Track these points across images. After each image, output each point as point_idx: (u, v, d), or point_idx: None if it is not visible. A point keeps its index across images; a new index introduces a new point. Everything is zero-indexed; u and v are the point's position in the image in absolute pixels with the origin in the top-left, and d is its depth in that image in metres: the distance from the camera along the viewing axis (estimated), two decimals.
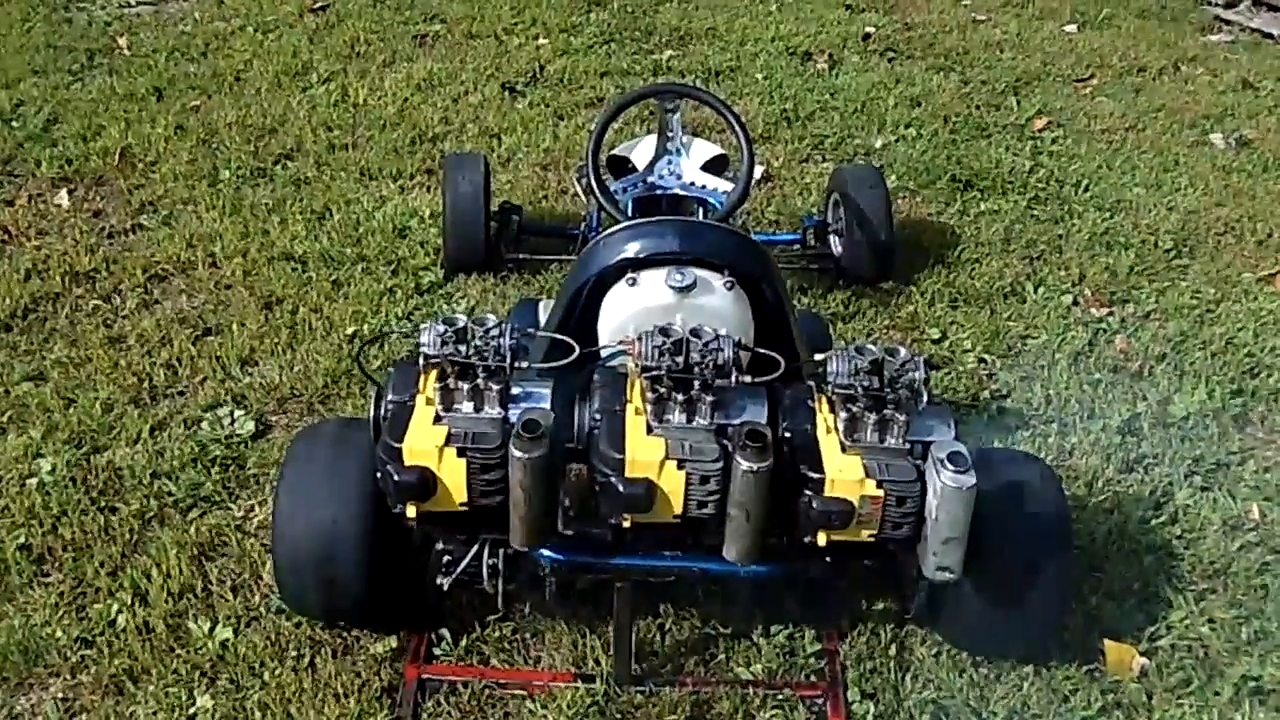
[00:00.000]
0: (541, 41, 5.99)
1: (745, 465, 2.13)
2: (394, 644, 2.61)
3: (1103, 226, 4.43)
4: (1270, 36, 6.49)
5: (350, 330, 3.68)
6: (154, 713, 2.46)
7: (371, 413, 2.41)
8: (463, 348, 2.28)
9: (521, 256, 4.04)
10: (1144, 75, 5.91)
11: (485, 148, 4.88)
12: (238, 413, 3.32)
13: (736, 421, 2.26)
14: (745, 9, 6.58)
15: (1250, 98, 5.68)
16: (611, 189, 3.49)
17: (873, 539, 2.23)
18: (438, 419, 2.27)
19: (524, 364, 2.33)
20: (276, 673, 2.54)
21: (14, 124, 5.01)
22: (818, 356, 2.35)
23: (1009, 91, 5.62)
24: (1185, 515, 3.07)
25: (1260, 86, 5.81)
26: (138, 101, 5.26)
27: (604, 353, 2.53)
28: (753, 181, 3.32)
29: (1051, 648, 2.62)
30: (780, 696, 2.53)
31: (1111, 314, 3.92)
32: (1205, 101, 5.61)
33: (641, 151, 3.77)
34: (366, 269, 4.02)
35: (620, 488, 2.18)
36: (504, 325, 2.31)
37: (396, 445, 2.20)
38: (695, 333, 2.30)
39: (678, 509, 2.22)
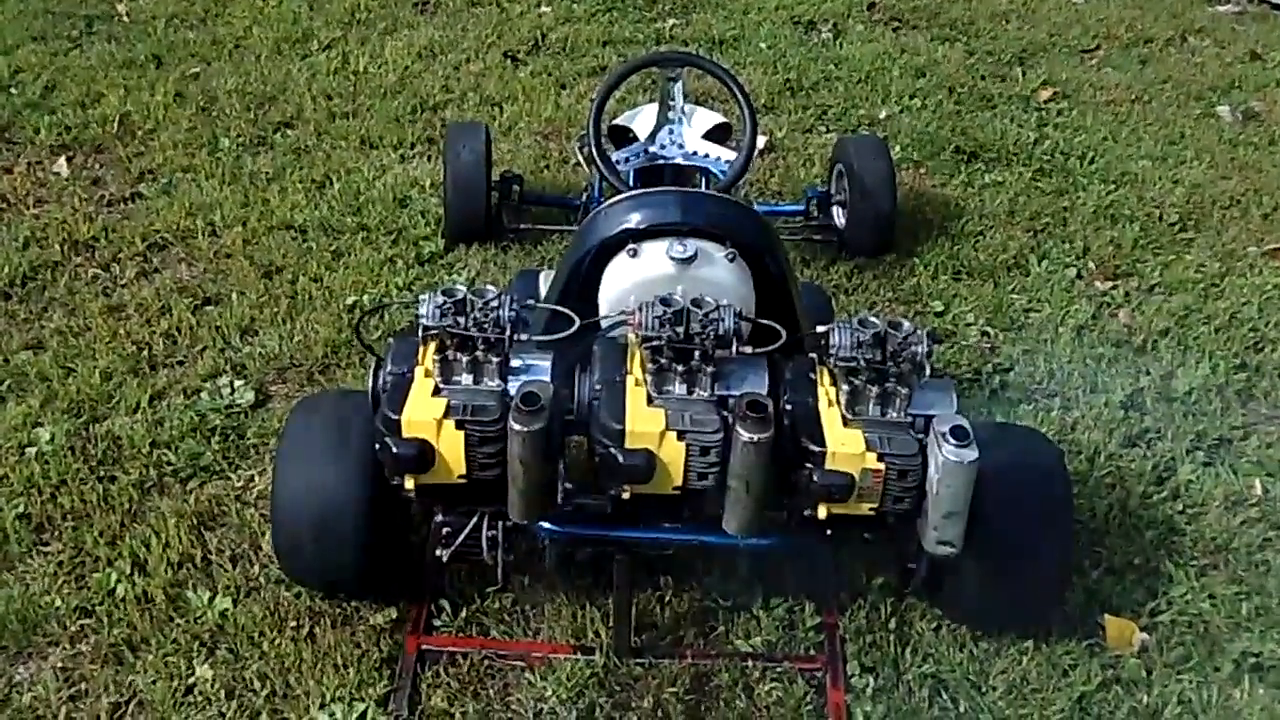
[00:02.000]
0: (543, 9, 5.94)
1: (745, 436, 2.12)
2: (394, 615, 2.61)
3: (1108, 199, 4.40)
4: (1278, 8, 6.43)
5: (350, 300, 3.66)
6: (153, 682, 2.46)
7: (370, 384, 2.40)
8: (462, 319, 2.27)
9: (522, 226, 4.02)
10: (1150, 46, 5.86)
11: (486, 117, 4.85)
12: (237, 382, 3.31)
13: (737, 392, 2.25)
14: None
15: (1258, 70, 5.64)
16: (613, 159, 3.47)
17: (873, 513, 2.22)
18: (437, 391, 2.25)
19: (524, 336, 2.32)
20: (276, 643, 2.54)
21: (12, 91, 4.97)
22: (820, 328, 2.33)
23: (1014, 62, 5.58)
24: (1187, 490, 3.06)
25: (1268, 58, 5.76)
26: (137, 69, 5.22)
27: (604, 324, 2.52)
28: (755, 152, 3.30)
29: (1052, 622, 2.62)
30: (780, 669, 2.53)
31: (1116, 287, 3.91)
32: (1212, 73, 5.57)
33: (643, 121, 3.74)
34: (367, 238, 4.00)
35: (620, 459, 2.17)
36: (503, 297, 2.30)
37: (395, 417, 2.19)
38: (696, 303, 2.29)
39: (677, 480, 2.21)
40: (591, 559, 2.66)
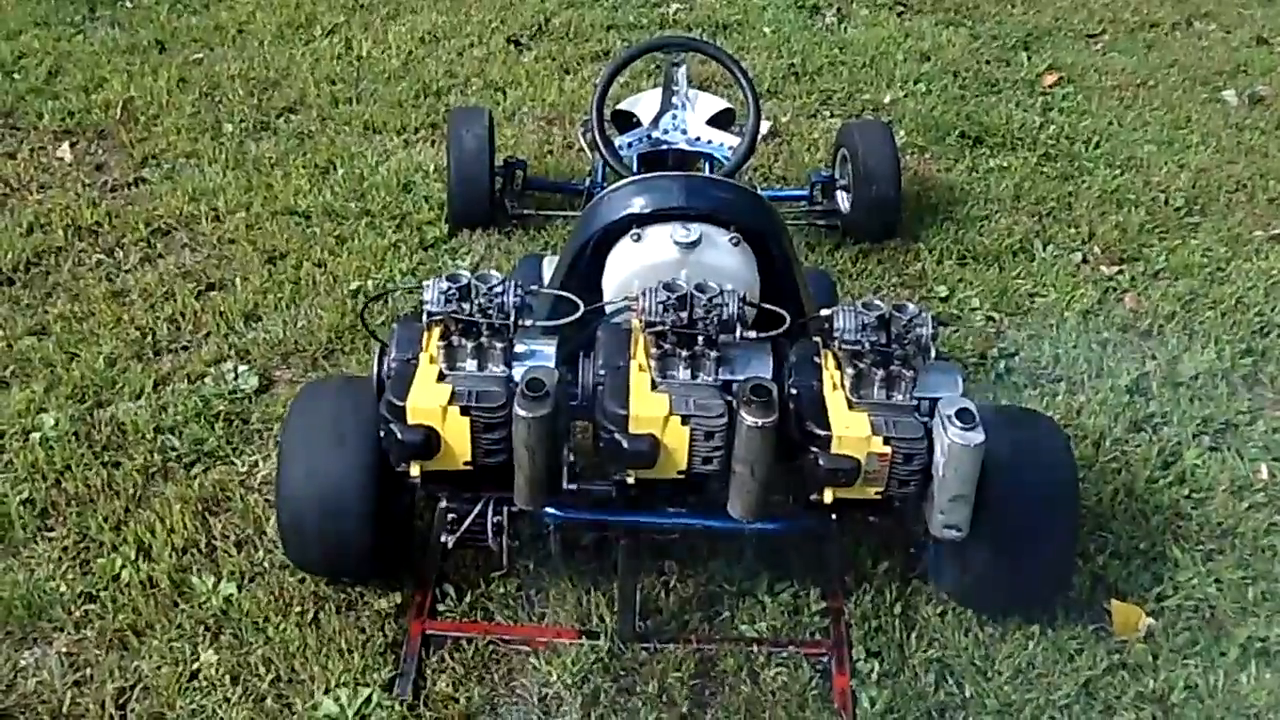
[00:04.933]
0: None
1: (750, 420, 2.12)
2: (398, 600, 2.61)
3: (1113, 184, 4.39)
4: None
5: (354, 285, 3.66)
6: (158, 667, 2.47)
7: (375, 370, 2.39)
8: (466, 305, 2.26)
9: (526, 212, 4.02)
10: (1156, 31, 5.84)
11: (490, 102, 4.84)
12: (241, 368, 3.31)
13: (741, 377, 2.25)
14: None
15: (1264, 54, 5.61)
16: (616, 144, 3.46)
17: (879, 496, 2.22)
18: (441, 377, 2.25)
19: (528, 321, 2.31)
20: (280, 628, 2.54)
21: (16, 76, 4.97)
22: (824, 312, 2.33)
23: (1019, 46, 5.56)
24: (1193, 475, 3.05)
25: (1274, 42, 5.73)
26: (140, 54, 5.21)
27: (608, 309, 2.51)
28: (759, 136, 3.29)
29: (1057, 607, 2.61)
30: (785, 654, 2.53)
31: (1121, 272, 3.90)
32: (1218, 58, 5.54)
33: (646, 106, 3.73)
34: (370, 224, 4.00)
35: (624, 444, 2.17)
36: (508, 282, 2.29)
37: (400, 404, 2.19)
38: (700, 288, 2.28)
39: (682, 465, 2.21)
40: (596, 544, 2.66)
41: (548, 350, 2.32)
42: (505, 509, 2.43)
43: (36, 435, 3.05)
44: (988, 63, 5.39)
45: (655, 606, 2.64)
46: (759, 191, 3.57)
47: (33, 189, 4.19)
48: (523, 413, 2.10)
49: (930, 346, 2.25)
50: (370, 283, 3.68)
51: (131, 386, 3.23)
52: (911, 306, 2.27)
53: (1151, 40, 5.74)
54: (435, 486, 2.40)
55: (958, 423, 2.12)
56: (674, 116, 3.64)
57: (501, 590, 2.65)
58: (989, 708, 2.45)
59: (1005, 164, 4.50)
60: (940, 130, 4.70)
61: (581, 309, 2.37)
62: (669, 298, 2.26)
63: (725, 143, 3.54)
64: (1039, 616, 2.60)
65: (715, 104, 3.73)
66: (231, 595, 2.61)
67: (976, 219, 4.13)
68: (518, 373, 2.24)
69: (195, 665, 2.47)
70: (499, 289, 2.28)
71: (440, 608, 2.62)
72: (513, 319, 2.27)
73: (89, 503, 2.87)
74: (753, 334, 2.33)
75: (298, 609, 2.59)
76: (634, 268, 2.53)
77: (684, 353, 2.26)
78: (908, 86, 5.11)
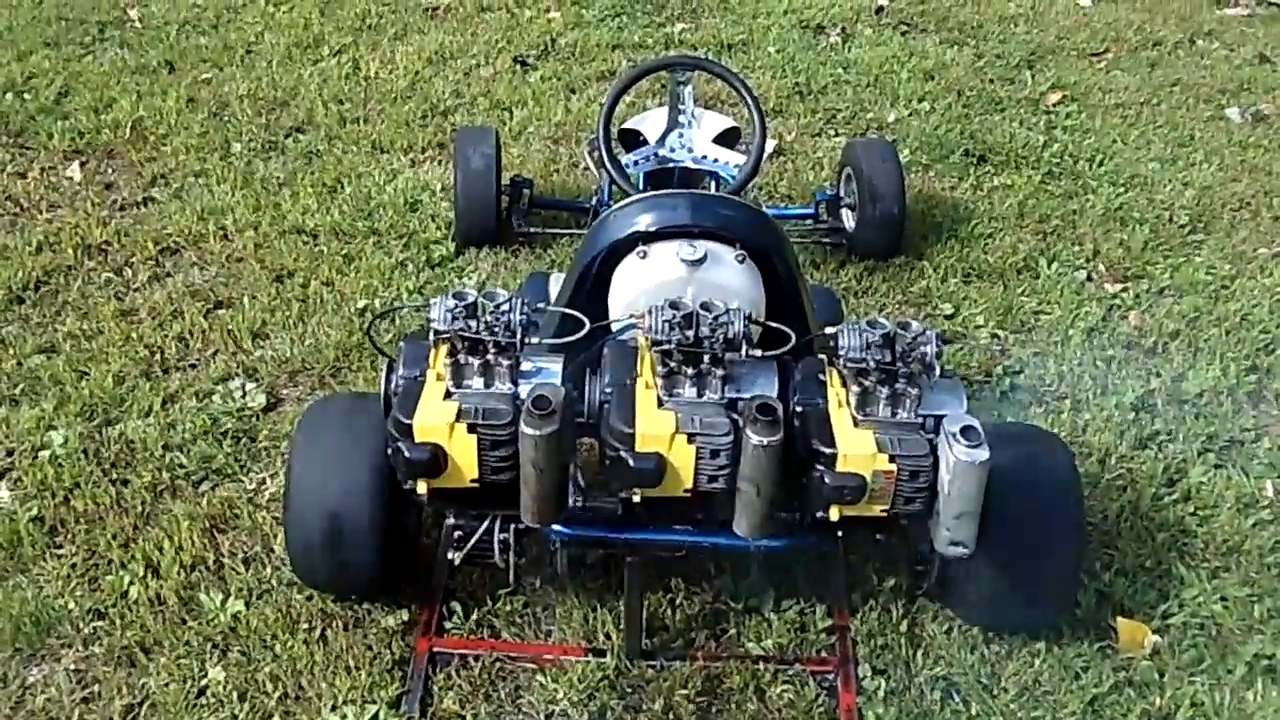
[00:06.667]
0: (553, 14, 5.95)
1: (755, 439, 2.12)
2: (405, 617, 2.62)
3: (1117, 202, 4.40)
4: None
5: (361, 304, 3.67)
6: (166, 684, 2.47)
7: (382, 388, 2.40)
8: (473, 323, 2.28)
9: (533, 230, 4.04)
10: (1159, 49, 5.85)
11: (496, 121, 4.86)
12: (249, 385, 3.32)
13: (747, 395, 2.25)
14: None
15: (1267, 72, 5.63)
16: (623, 162, 3.47)
17: (885, 514, 2.22)
18: (448, 395, 2.26)
19: (534, 339, 2.32)
20: (288, 645, 2.55)
21: (26, 96, 5.00)
22: (829, 330, 2.34)
23: (1023, 65, 5.58)
24: (1199, 492, 3.05)
25: (1277, 61, 5.75)
26: (149, 74, 5.25)
27: (614, 326, 2.52)
28: (764, 155, 3.31)
29: (1063, 625, 2.62)
30: (791, 672, 2.53)
31: (1125, 290, 3.90)
32: (1221, 76, 5.55)
33: (653, 124, 3.75)
34: (378, 242, 4.02)
35: (630, 462, 2.17)
36: (514, 300, 2.30)
37: (407, 422, 2.20)
38: (706, 306, 2.29)
39: (688, 483, 2.21)
40: (602, 561, 2.67)
41: (554, 368, 2.33)
42: (512, 526, 2.44)
43: (45, 453, 3.06)
44: (991, 81, 5.41)
45: (661, 624, 2.65)
46: (764, 209, 3.59)
47: (42, 208, 4.21)
48: (529, 430, 2.11)
49: (935, 364, 2.25)
50: (377, 301, 3.70)
51: (140, 404, 3.25)
52: (916, 324, 2.28)
53: (1155, 59, 5.75)
54: (442, 504, 2.41)
55: (963, 440, 2.12)
56: (680, 135, 3.66)
57: (508, 607, 2.66)
58: None
59: (1009, 182, 4.51)
60: (944, 148, 4.72)
61: (588, 327, 2.38)
62: (675, 315, 2.27)
63: (731, 161, 3.56)
64: (1045, 634, 2.60)
65: (721, 122, 3.76)
66: (239, 612, 2.62)
67: (981, 237, 4.15)
68: (524, 390, 2.25)
69: (203, 682, 2.48)
70: (505, 307, 2.29)
71: (447, 625, 2.62)
72: (519, 337, 2.28)
73: (97, 520, 2.88)
74: (758, 352, 2.34)
75: (305, 626, 2.60)
76: (640, 285, 2.55)
77: (690, 371, 2.27)
78: (912, 105, 5.12)
